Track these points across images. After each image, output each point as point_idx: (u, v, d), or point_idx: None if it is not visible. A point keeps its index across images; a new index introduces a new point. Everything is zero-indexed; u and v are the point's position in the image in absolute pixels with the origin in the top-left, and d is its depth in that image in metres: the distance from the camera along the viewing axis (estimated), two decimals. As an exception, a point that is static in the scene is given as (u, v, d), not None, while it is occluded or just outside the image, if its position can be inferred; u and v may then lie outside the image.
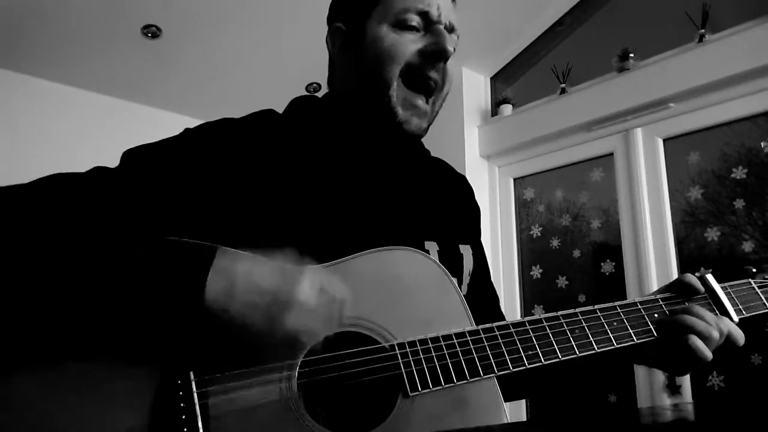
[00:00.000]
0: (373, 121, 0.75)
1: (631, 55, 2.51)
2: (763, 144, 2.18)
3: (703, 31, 2.30)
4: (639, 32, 2.58)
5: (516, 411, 2.63)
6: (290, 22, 2.75)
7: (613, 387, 2.42)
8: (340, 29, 0.78)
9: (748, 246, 2.14)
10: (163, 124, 3.34)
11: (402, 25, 0.71)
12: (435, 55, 0.72)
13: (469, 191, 0.92)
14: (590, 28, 2.84)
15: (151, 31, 2.72)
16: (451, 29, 0.74)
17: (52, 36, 2.69)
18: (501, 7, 2.72)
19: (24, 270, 0.53)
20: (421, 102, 0.74)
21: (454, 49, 0.74)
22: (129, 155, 0.66)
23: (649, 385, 2.25)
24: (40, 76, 2.99)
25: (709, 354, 0.68)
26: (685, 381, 2.17)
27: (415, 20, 0.71)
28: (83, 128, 3.09)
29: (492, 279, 0.91)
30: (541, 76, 2.98)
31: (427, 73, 0.72)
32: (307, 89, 3.24)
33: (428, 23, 0.72)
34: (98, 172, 0.64)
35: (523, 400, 2.67)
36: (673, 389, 2.18)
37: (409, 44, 0.71)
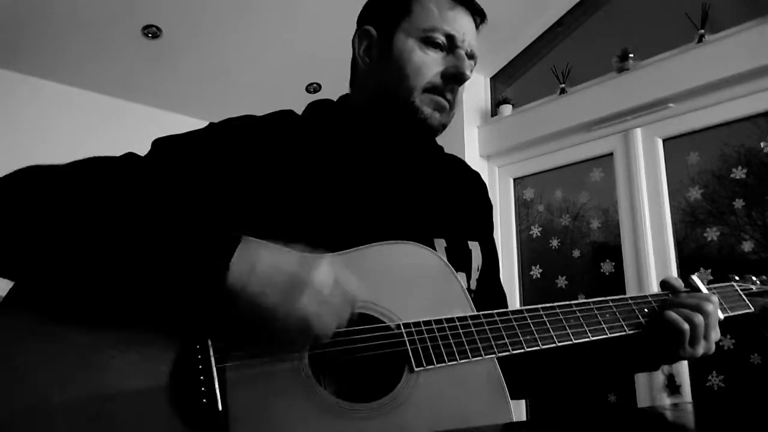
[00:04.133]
0: (396, 118, 0.79)
1: (631, 55, 2.51)
2: (762, 144, 2.18)
3: (702, 31, 2.31)
4: (639, 32, 2.58)
5: (516, 411, 2.63)
6: (290, 23, 2.75)
7: (613, 387, 2.43)
8: (369, 32, 0.81)
9: (747, 246, 2.15)
10: (163, 124, 3.34)
11: (428, 42, 0.76)
12: (454, 78, 0.77)
13: (482, 187, 0.95)
14: (590, 28, 2.84)
15: (151, 31, 2.72)
16: (471, 56, 0.79)
17: (52, 36, 2.69)
18: (501, 7, 2.72)
19: (65, 239, 0.56)
20: (441, 99, 0.78)
21: (472, 70, 0.79)
22: (158, 144, 0.70)
23: (649, 385, 2.25)
24: (40, 76, 2.99)
25: (685, 324, 0.72)
26: (685, 381, 2.18)
27: (440, 39, 0.76)
28: (83, 128, 3.09)
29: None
30: (541, 76, 2.98)
31: (445, 94, 0.77)
32: (307, 89, 3.24)
33: (452, 45, 0.77)
34: (130, 157, 0.68)
35: (523, 401, 2.67)
36: (673, 389, 2.18)
37: (433, 65, 0.76)
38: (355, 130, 0.80)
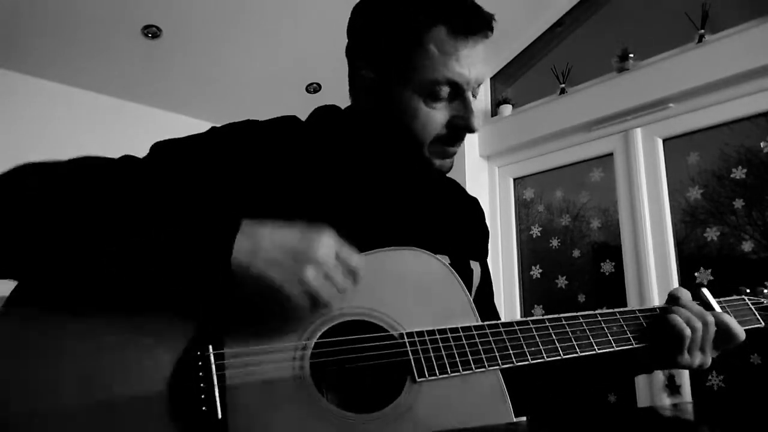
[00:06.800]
0: (406, 162, 0.77)
1: (631, 55, 2.51)
2: (762, 144, 2.18)
3: (702, 31, 2.30)
4: (639, 32, 2.58)
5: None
6: (290, 23, 2.75)
7: (610, 388, 2.42)
8: (368, 77, 0.75)
9: (747, 246, 2.14)
10: (163, 124, 3.34)
11: (433, 96, 0.71)
12: (463, 131, 0.75)
13: (480, 214, 0.94)
14: (590, 28, 2.84)
15: (151, 31, 2.72)
16: (478, 85, 0.74)
17: (52, 36, 2.68)
18: (501, 7, 2.71)
19: (66, 240, 0.55)
20: (450, 148, 0.77)
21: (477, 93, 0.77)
22: (157, 148, 0.69)
23: (649, 385, 2.25)
24: (40, 76, 2.99)
25: (686, 329, 0.72)
26: (685, 381, 2.18)
27: (445, 90, 0.71)
28: (83, 128, 3.09)
29: (492, 280, 0.93)
30: (541, 76, 2.98)
31: (454, 143, 0.76)
32: (307, 89, 3.24)
33: (458, 91, 0.72)
34: (127, 160, 0.67)
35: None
36: (673, 389, 2.18)
37: (439, 117, 0.73)
38: (362, 147, 0.79)
